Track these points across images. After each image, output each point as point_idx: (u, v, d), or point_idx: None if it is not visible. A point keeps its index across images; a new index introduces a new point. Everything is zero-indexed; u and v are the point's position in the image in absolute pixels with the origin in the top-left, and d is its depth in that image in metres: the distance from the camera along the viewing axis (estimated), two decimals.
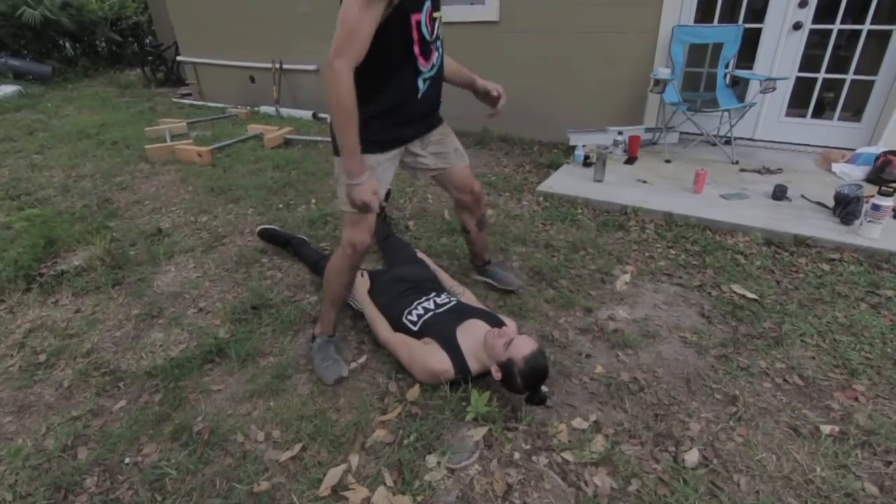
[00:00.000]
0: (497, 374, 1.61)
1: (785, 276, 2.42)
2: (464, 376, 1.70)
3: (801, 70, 3.68)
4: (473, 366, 1.69)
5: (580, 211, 3.11)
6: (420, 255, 2.43)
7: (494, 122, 4.62)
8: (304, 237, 2.72)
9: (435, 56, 1.62)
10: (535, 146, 4.42)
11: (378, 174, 1.67)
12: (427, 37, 1.54)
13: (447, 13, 1.91)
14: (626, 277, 2.42)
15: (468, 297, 2.09)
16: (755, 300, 2.23)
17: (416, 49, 1.53)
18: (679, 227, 2.86)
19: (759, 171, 3.47)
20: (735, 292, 2.29)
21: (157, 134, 4.95)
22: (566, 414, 1.67)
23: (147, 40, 9.90)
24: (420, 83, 1.62)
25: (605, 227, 2.91)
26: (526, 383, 1.57)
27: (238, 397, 1.77)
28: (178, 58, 7.04)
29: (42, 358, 1.99)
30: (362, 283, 2.14)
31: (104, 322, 2.21)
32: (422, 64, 1.58)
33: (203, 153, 4.18)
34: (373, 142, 1.59)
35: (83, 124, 5.50)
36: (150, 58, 8.60)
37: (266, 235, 2.79)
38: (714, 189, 3.19)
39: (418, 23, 1.49)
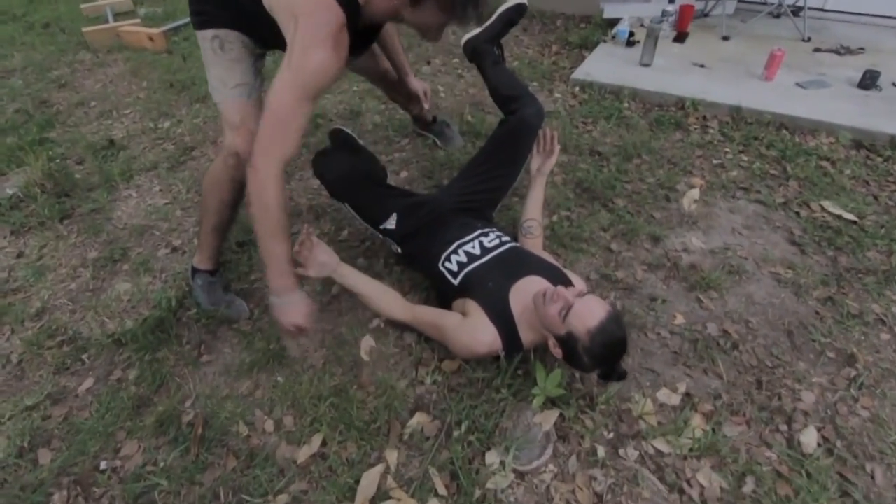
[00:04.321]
0: (557, 352, 1.21)
1: (882, 189, 2.00)
2: (515, 353, 1.32)
3: None
4: (527, 338, 1.28)
5: (627, 105, 2.56)
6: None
7: None
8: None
9: None
10: (558, 20, 3.67)
11: None
12: None
13: None
14: (695, 194, 1.99)
15: (535, 243, 1.59)
16: (853, 222, 1.83)
17: None
18: (749, 126, 2.35)
19: (836, 52, 2.87)
20: (828, 211, 1.88)
21: (96, 12, 4.06)
22: (648, 382, 1.35)
23: None
24: None
25: (659, 126, 2.39)
26: (595, 363, 1.18)
27: (234, 370, 1.41)
28: None
29: None
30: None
31: (55, 270, 1.77)
32: None
33: (155, 37, 3.40)
34: None
35: (6, 3, 4.51)
36: None
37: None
38: (786, 75, 2.62)
39: None
